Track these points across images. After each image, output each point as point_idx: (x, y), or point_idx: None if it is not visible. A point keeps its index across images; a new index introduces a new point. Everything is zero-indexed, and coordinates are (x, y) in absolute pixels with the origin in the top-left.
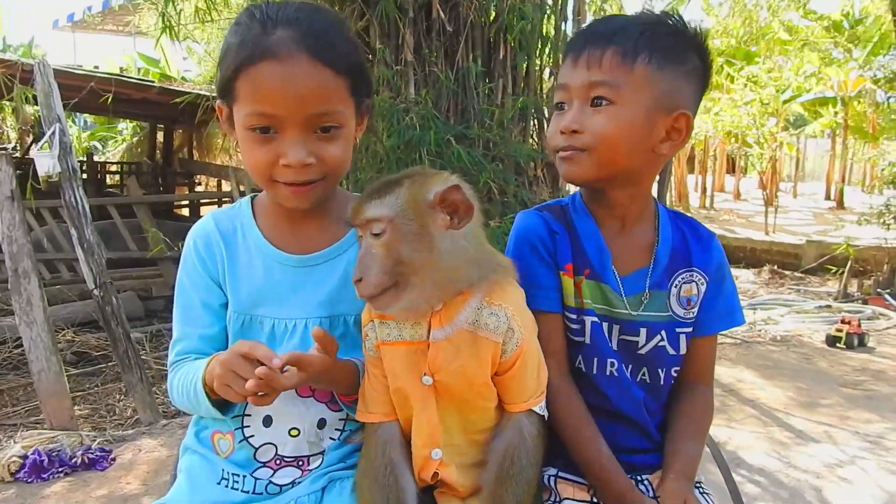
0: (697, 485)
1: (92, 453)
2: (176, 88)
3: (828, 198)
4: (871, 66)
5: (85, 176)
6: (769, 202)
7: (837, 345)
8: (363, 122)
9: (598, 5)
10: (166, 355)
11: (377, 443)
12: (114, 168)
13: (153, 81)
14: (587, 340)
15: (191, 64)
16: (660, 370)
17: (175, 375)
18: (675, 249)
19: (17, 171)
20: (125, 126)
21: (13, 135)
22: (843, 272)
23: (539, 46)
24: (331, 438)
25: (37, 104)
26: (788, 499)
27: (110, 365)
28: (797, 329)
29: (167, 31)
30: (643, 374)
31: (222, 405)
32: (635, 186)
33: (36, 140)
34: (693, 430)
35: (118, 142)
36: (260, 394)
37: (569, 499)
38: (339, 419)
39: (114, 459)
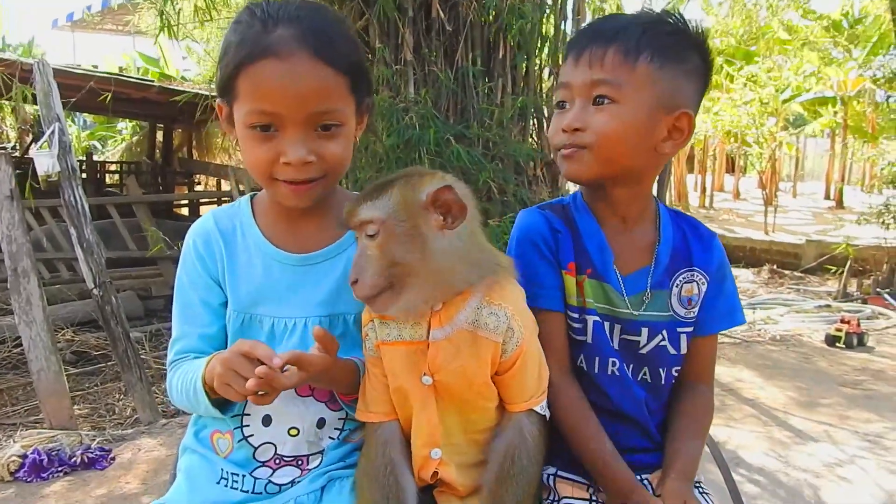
0: (697, 484)
1: (91, 453)
2: (175, 88)
3: (827, 197)
4: (871, 66)
5: (84, 175)
6: (769, 202)
7: (837, 344)
8: (363, 121)
9: (598, 5)
10: (166, 355)
11: (377, 442)
12: (113, 167)
13: (152, 81)
14: (589, 340)
15: (190, 63)
16: (661, 370)
17: (174, 374)
18: (676, 249)
19: (17, 171)
20: (124, 125)
21: (12, 134)
22: (842, 272)
23: (538, 46)
24: (330, 438)
25: (36, 103)
26: (788, 498)
27: (110, 364)
28: (797, 328)
29: (166, 29)
30: (644, 374)
31: (222, 404)
32: (636, 185)
33: (35, 139)
34: (693, 430)
35: (117, 141)
36: (260, 393)
37: (568, 497)
38: (339, 418)
39: (113, 459)
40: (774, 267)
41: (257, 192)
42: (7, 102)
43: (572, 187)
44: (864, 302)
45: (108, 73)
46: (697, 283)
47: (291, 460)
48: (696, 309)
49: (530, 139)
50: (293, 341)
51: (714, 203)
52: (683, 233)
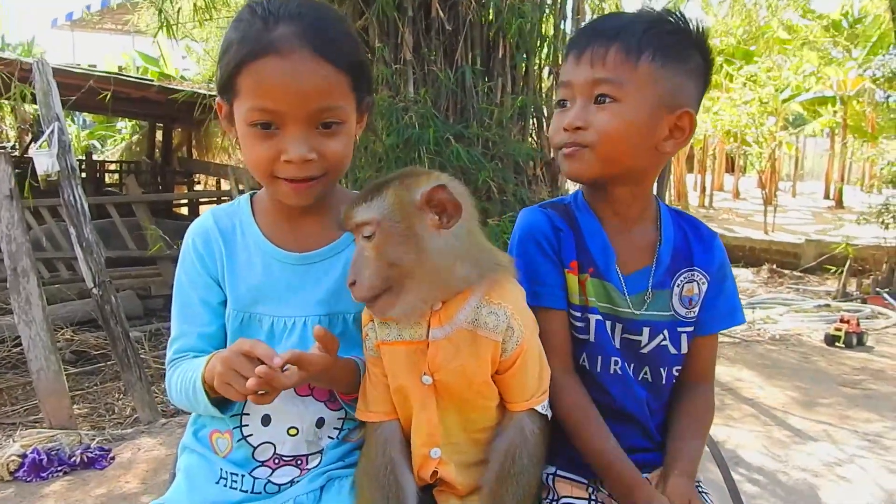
0: (697, 484)
1: (91, 452)
2: (175, 87)
3: (827, 197)
4: (870, 66)
5: (84, 175)
6: (768, 201)
7: (836, 344)
8: (363, 120)
9: (597, 4)
10: (165, 354)
11: (377, 442)
12: (113, 167)
13: (152, 80)
14: (591, 338)
15: (190, 63)
16: (661, 369)
17: (173, 373)
18: (677, 249)
19: (16, 170)
20: (124, 125)
21: (12, 133)
22: (842, 271)
23: (538, 45)
24: (329, 437)
25: (35, 103)
26: (787, 497)
27: (109, 364)
28: (796, 328)
29: (165, 29)
30: (645, 373)
31: (221, 403)
32: (638, 184)
33: (35, 139)
34: (695, 429)
35: (117, 140)
36: (260, 392)
37: (567, 497)
38: (338, 418)
39: (113, 458)
40: (774, 266)
41: (257, 190)
42: (6, 102)
43: (572, 187)
44: (864, 301)
45: (107, 72)
46: (698, 283)
47: (291, 460)
48: (697, 309)
49: (530, 139)
50: (293, 340)
51: (713, 202)
52: (684, 232)
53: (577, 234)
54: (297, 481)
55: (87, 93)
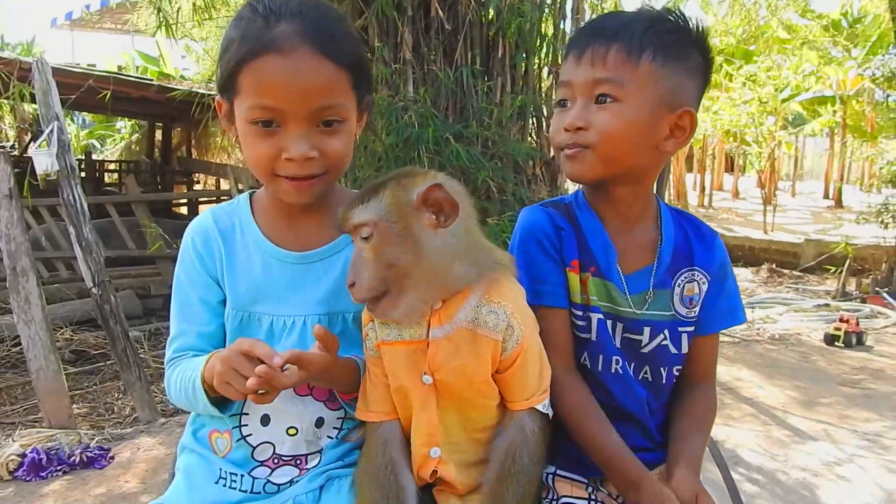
0: None
1: (90, 452)
2: (174, 87)
3: (826, 196)
4: (870, 65)
5: (83, 174)
6: (768, 201)
7: (836, 343)
8: (363, 119)
9: (596, 3)
10: (164, 353)
11: (377, 441)
12: (112, 166)
13: (151, 80)
14: (593, 337)
15: (189, 62)
16: (662, 369)
17: (173, 372)
18: (678, 248)
19: (16, 170)
20: (123, 124)
21: (11, 133)
22: (841, 271)
23: (538, 45)
24: (328, 437)
25: (35, 102)
26: (786, 497)
27: (109, 363)
28: (795, 328)
29: (164, 28)
30: (645, 373)
31: (220, 403)
32: (638, 184)
33: (34, 138)
34: (698, 427)
35: (116, 140)
36: (260, 392)
37: (567, 497)
38: (337, 418)
39: (112, 458)
40: (773, 266)
41: (256, 189)
42: (6, 101)
43: (571, 186)
44: (863, 301)
45: (106, 71)
46: (698, 283)
47: (290, 460)
48: (698, 308)
49: (529, 138)
50: (292, 339)
51: (713, 202)
52: (685, 232)
53: (578, 233)
54: (297, 481)
55: (86, 92)
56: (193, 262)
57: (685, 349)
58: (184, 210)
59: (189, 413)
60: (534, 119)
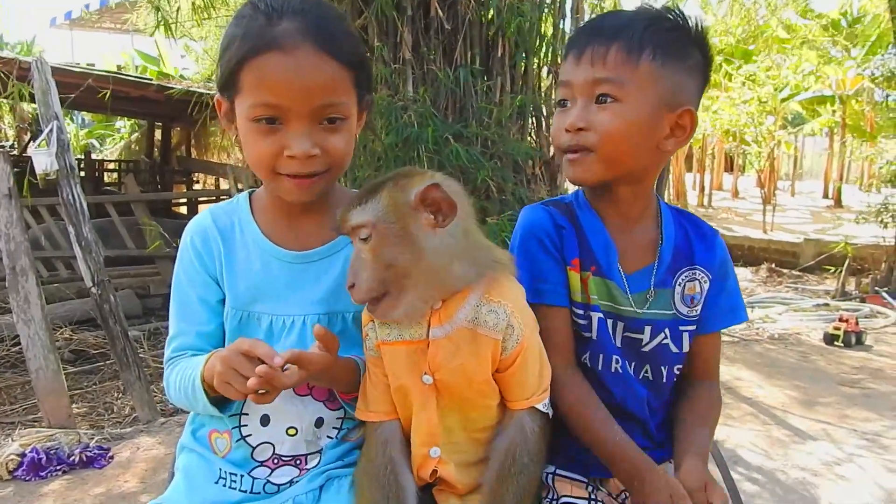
0: None
1: (90, 451)
2: (174, 86)
3: (826, 196)
4: (869, 65)
5: (83, 174)
6: (767, 200)
7: (835, 343)
8: (362, 118)
9: (596, 3)
10: (164, 353)
11: (377, 441)
12: (112, 166)
13: (151, 79)
14: (594, 336)
15: (189, 62)
16: (662, 368)
17: (172, 372)
18: (678, 247)
19: (15, 169)
20: (123, 124)
21: (11, 132)
22: (840, 270)
23: (537, 44)
24: (328, 437)
25: (34, 102)
26: (786, 496)
27: (108, 363)
28: (795, 327)
29: (163, 27)
30: (646, 372)
31: (220, 402)
32: (639, 183)
33: (33, 137)
34: (703, 421)
35: (116, 140)
36: (261, 392)
37: (567, 496)
38: (337, 418)
39: (112, 457)
40: (773, 266)
41: (255, 189)
42: (5, 100)
43: (571, 186)
44: (863, 301)
45: (106, 71)
46: (700, 282)
47: (290, 460)
48: (699, 307)
49: (529, 138)
50: (291, 339)
51: (713, 202)
52: (685, 231)
53: (579, 232)
54: (297, 481)
55: (85, 92)
56: (192, 262)
57: (686, 348)
58: (183, 210)
59: (188, 413)
60: (533, 119)
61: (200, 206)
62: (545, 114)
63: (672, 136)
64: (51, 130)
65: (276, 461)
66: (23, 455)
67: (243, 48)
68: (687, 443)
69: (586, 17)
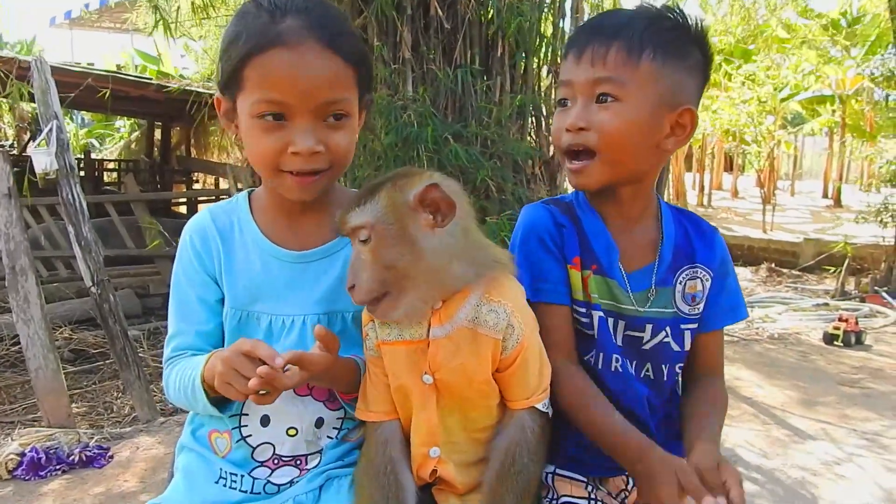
0: None
1: (89, 451)
2: (174, 86)
3: (825, 196)
4: (869, 65)
5: (82, 173)
6: (767, 200)
7: (835, 342)
8: (361, 118)
9: (596, 2)
10: (163, 352)
11: (377, 441)
12: (111, 165)
13: (150, 79)
14: (595, 335)
15: (188, 62)
16: (663, 366)
17: (171, 371)
18: (679, 246)
19: (15, 168)
20: (123, 123)
21: (10, 132)
22: (840, 270)
23: (537, 44)
24: (328, 437)
25: (34, 101)
26: (786, 496)
27: (108, 362)
28: (795, 327)
29: (163, 27)
30: (647, 371)
31: (220, 403)
32: (639, 183)
33: (33, 137)
34: (711, 410)
35: (116, 139)
36: (262, 392)
37: (567, 496)
38: (337, 418)
39: (111, 457)
40: (772, 265)
41: (255, 188)
42: (5, 100)
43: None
44: (862, 300)
45: (106, 70)
46: (701, 280)
47: (290, 460)
48: (701, 305)
49: (528, 137)
50: (291, 339)
51: (712, 201)
52: (685, 229)
53: (579, 231)
54: (297, 481)
55: (85, 91)
56: (192, 261)
57: (687, 346)
58: (183, 209)
59: (188, 412)
60: (533, 118)
61: (200, 206)
62: (545, 113)
63: (672, 135)
64: (50, 130)
65: (276, 461)
66: (22, 454)
67: (247, 45)
68: (698, 429)
69: (586, 17)
